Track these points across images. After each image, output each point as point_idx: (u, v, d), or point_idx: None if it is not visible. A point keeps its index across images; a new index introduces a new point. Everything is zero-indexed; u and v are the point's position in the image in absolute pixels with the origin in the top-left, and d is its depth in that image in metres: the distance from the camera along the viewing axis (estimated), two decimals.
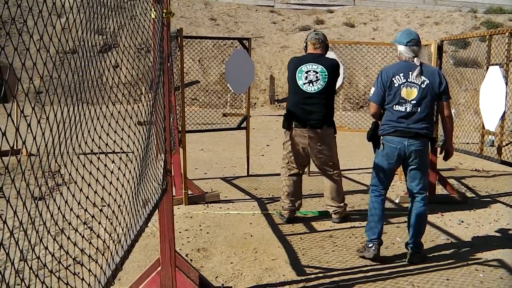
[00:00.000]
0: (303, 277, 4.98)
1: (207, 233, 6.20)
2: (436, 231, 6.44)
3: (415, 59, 5.38)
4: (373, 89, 5.59)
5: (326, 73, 6.52)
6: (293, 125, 6.61)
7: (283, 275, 5.00)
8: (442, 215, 7.15)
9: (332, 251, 5.68)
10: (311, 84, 6.55)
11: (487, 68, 6.61)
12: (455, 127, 11.60)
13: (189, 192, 7.44)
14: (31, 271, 1.73)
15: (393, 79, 5.35)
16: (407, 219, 5.61)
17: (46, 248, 1.87)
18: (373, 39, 26.82)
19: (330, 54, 8.81)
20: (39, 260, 1.82)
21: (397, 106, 5.36)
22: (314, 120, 6.50)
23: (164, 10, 3.87)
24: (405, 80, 5.32)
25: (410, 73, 5.32)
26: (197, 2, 30.46)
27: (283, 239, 6.03)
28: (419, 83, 5.29)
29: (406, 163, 5.45)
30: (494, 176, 9.97)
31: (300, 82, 6.59)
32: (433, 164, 7.76)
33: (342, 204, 6.80)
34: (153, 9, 3.66)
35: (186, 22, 26.88)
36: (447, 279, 4.98)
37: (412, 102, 5.30)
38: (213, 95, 18.86)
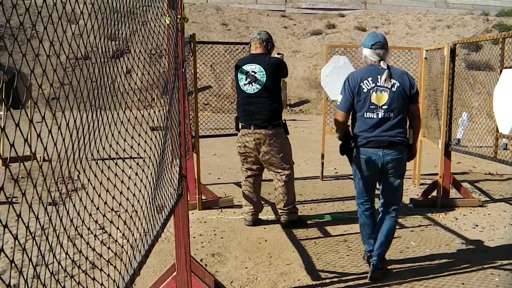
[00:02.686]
0: (318, 282, 4.97)
1: (221, 238, 6.21)
2: (451, 235, 6.41)
3: (381, 62, 5.08)
4: (340, 97, 5.22)
5: (264, 73, 6.41)
6: (240, 126, 6.61)
7: (298, 280, 5.00)
8: (457, 219, 7.12)
9: (347, 255, 5.67)
10: (251, 85, 6.50)
11: (501, 71, 6.57)
12: (469, 131, 11.59)
13: (203, 197, 7.46)
14: (52, 276, 1.74)
15: (361, 84, 5.04)
16: (377, 229, 5.24)
17: (67, 253, 1.88)
18: None
19: (342, 58, 8.82)
20: (59, 264, 1.83)
21: (368, 113, 5.04)
22: (258, 120, 6.44)
23: (179, 16, 3.88)
24: (374, 85, 5.01)
25: (379, 77, 5.02)
26: (209, 7, 30.54)
27: (298, 243, 6.03)
28: (389, 87, 5.00)
29: (382, 174, 5.13)
30: (508, 180, 9.92)
31: (241, 83, 6.57)
32: (447, 168, 7.74)
33: (288, 208, 6.65)
34: (167, 15, 3.67)
35: (198, 27, 26.95)
36: (463, 283, 4.96)
37: (384, 107, 4.99)
38: (225, 100, 18.85)
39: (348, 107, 5.16)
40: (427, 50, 8.94)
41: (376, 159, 5.02)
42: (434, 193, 7.81)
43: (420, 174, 9.16)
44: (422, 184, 9.03)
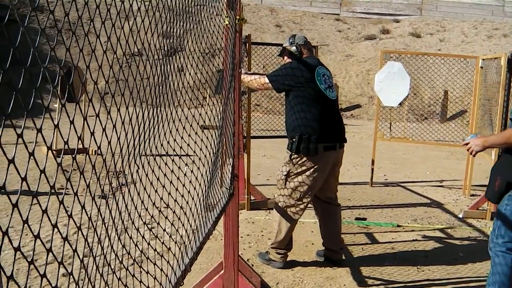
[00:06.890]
0: None
1: (269, 239, 6.19)
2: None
3: None
4: None
5: (332, 79, 5.46)
6: (323, 148, 5.02)
7: (344, 285, 4.98)
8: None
9: (394, 263, 5.62)
10: (330, 90, 5.18)
11: None
12: None
13: (252, 198, 7.49)
14: (108, 266, 1.78)
15: None
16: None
17: (123, 246, 1.92)
18: (439, 50, 26.46)
19: (396, 65, 8.76)
20: (116, 256, 1.87)
21: None
22: (342, 137, 5.26)
23: (237, 17, 3.91)
24: None
25: None
26: (263, 9, 30.64)
27: (345, 249, 6.00)
28: None
29: None
30: None
31: (322, 87, 5.09)
32: None
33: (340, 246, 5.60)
34: (227, 16, 3.70)
35: (252, 28, 27.04)
36: None
37: None
38: (276, 102, 18.86)
39: None
40: (483, 59, 8.80)
41: None
42: (485, 205, 7.68)
43: (471, 185, 9.02)
44: (473, 195, 8.89)
